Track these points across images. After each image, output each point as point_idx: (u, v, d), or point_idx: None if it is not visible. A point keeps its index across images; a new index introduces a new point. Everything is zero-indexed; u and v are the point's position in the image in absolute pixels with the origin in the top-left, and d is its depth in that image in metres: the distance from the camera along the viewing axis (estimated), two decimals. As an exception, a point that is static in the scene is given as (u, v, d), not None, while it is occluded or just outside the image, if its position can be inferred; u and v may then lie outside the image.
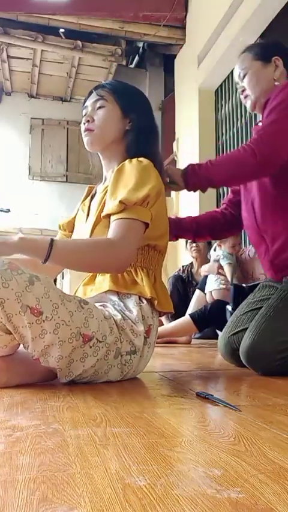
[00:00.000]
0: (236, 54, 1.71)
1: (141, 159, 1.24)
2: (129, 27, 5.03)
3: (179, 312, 3.20)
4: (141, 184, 1.18)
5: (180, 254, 4.33)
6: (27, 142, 7.60)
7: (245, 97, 1.65)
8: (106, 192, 1.26)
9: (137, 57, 6.86)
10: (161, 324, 3.36)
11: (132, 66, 6.94)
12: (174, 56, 5.32)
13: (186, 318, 2.71)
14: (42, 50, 5.84)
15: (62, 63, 6.33)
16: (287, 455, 0.58)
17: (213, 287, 2.94)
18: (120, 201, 1.15)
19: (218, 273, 2.94)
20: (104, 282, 1.22)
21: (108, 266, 1.16)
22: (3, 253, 1.07)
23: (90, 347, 1.09)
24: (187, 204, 4.71)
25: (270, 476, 0.51)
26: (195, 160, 4.51)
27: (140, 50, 6.65)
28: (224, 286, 2.88)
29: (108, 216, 1.20)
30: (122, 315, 1.16)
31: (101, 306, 1.18)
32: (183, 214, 4.76)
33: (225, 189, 4.16)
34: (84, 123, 1.32)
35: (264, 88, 1.59)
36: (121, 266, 1.16)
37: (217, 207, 4.43)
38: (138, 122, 1.31)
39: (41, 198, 7.38)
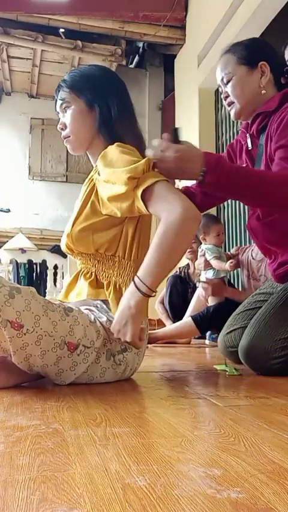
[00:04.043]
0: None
1: (118, 143, 1.19)
2: (129, 27, 5.04)
3: (178, 312, 3.21)
4: (134, 158, 1.12)
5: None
6: (27, 142, 7.59)
7: (229, 104, 1.55)
8: (91, 179, 1.23)
9: (137, 57, 6.86)
10: (163, 325, 3.36)
11: (132, 66, 6.94)
12: (174, 56, 5.33)
13: (188, 320, 2.69)
14: (42, 50, 5.83)
15: (62, 63, 6.31)
16: (287, 455, 0.58)
17: (209, 277, 2.87)
18: (128, 178, 1.06)
19: (207, 266, 2.87)
20: (83, 290, 1.22)
21: (190, 229, 1.07)
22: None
23: (78, 355, 1.09)
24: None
25: (270, 476, 0.51)
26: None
27: (140, 50, 6.65)
28: (224, 274, 2.84)
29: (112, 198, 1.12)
30: (107, 317, 1.17)
31: (86, 309, 1.18)
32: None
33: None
34: (60, 132, 1.32)
35: (250, 97, 1.50)
36: (194, 216, 1.06)
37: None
38: (103, 109, 1.26)
39: (41, 198, 7.37)
